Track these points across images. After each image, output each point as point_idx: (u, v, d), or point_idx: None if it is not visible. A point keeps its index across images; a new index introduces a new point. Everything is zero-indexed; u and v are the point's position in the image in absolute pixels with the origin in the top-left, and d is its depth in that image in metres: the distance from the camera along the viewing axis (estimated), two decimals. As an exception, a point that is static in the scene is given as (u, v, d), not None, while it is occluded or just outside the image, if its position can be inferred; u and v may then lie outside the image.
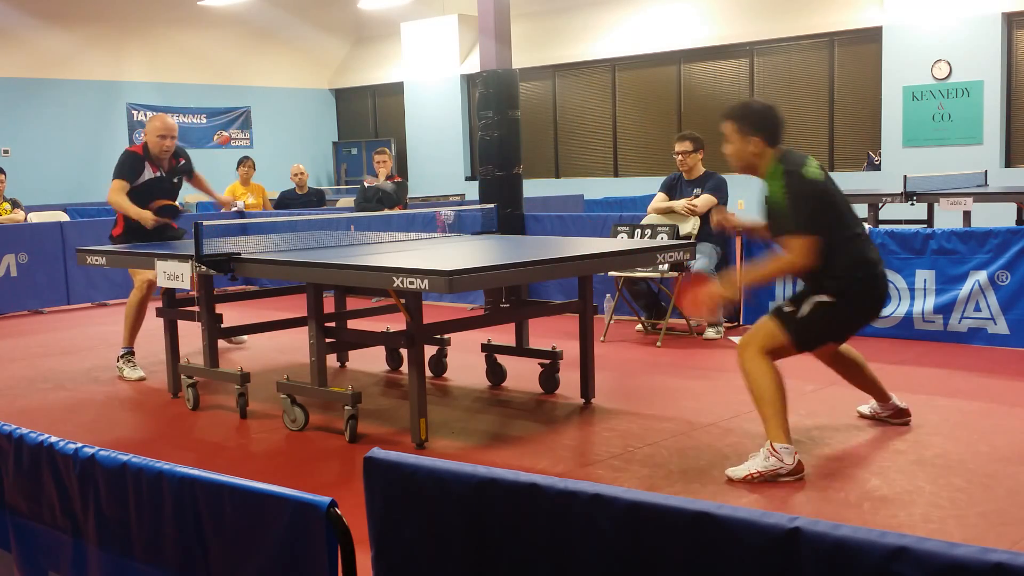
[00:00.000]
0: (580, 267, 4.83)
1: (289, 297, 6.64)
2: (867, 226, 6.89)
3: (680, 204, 7.12)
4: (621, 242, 6.25)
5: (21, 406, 5.66)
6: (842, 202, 4.24)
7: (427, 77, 18.83)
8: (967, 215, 9.49)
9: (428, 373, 5.98)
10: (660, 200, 7.29)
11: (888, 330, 6.70)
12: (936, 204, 9.19)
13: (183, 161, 6.66)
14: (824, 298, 4.13)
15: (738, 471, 4.00)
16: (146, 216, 6.28)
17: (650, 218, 7.26)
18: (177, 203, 6.73)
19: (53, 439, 2.21)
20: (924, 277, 6.59)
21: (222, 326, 5.70)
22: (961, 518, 3.50)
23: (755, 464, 3.99)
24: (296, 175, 12.06)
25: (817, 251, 4.03)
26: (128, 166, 6.36)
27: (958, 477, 3.92)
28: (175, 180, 6.61)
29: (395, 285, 4.16)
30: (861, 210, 9.99)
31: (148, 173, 6.39)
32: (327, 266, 4.59)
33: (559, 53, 17.40)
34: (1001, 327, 6.33)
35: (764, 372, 4.17)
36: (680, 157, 7.25)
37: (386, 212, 9.43)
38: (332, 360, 6.28)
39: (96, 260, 5.78)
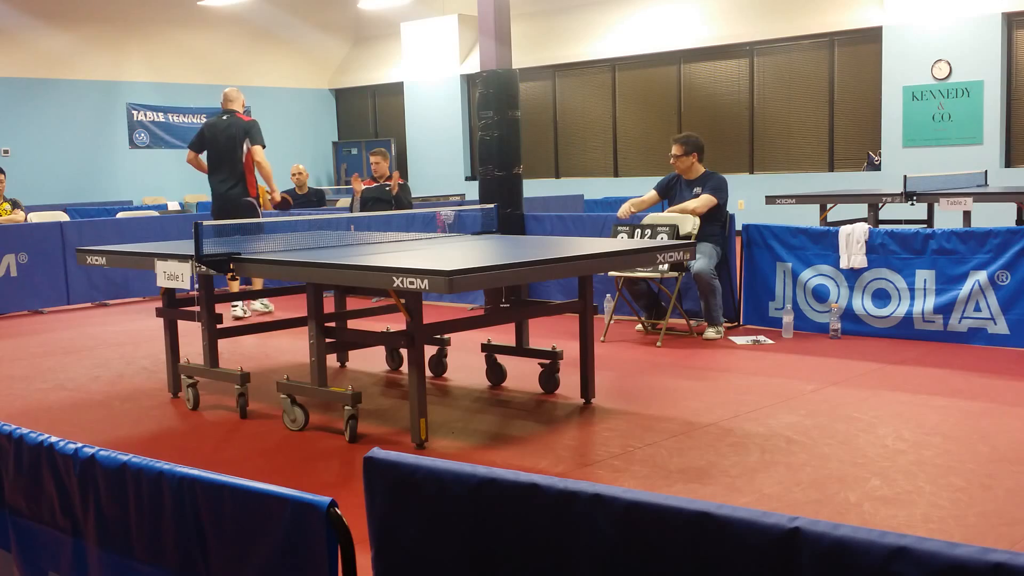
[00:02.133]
0: (580, 267, 4.83)
1: (289, 297, 6.65)
2: (867, 226, 6.92)
3: (636, 212, 7.23)
4: (621, 242, 6.25)
5: (21, 406, 5.66)
6: None
7: (427, 77, 18.83)
8: (967, 215, 9.49)
9: (428, 373, 5.98)
10: (639, 201, 7.38)
11: (888, 330, 6.71)
12: (936, 204, 9.19)
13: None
14: None
15: None
16: (277, 194, 8.66)
17: (650, 218, 7.26)
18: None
19: (53, 439, 2.21)
20: (924, 277, 6.59)
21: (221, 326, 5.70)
22: (961, 518, 3.51)
23: None
24: (295, 175, 12.03)
25: None
26: (261, 132, 8.47)
27: (958, 477, 3.92)
28: None
29: (395, 285, 4.16)
30: (861, 210, 10.01)
31: None
32: (327, 266, 4.59)
33: (559, 53, 17.40)
34: (1001, 327, 6.33)
35: None
36: (672, 160, 7.32)
37: (390, 212, 9.42)
38: (332, 360, 6.28)
39: (96, 260, 5.78)
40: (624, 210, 7.35)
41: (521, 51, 15.08)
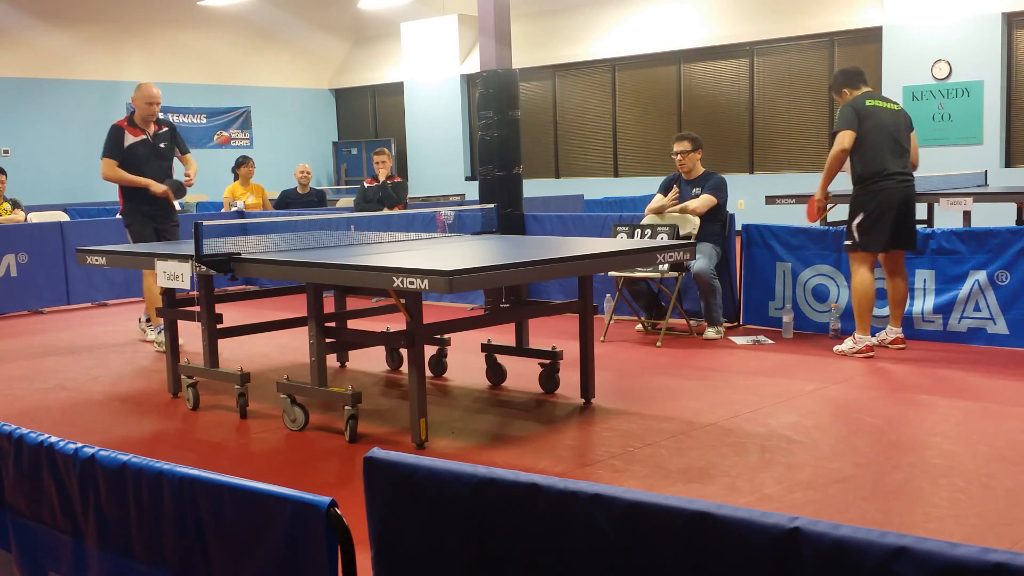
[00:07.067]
0: (580, 267, 4.83)
1: (289, 297, 6.65)
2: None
3: (668, 200, 7.14)
4: (621, 242, 6.25)
5: (21, 406, 5.66)
6: None
7: (427, 77, 18.83)
8: (967, 215, 9.49)
9: (428, 373, 5.98)
10: (658, 201, 7.30)
11: (888, 330, 6.70)
12: (936, 204, 9.19)
13: (166, 128, 7.39)
14: None
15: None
16: (148, 182, 7.11)
17: (650, 218, 7.26)
18: (171, 167, 7.50)
19: (53, 439, 2.21)
20: (924, 277, 6.59)
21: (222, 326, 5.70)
22: (961, 518, 3.51)
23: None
24: (301, 173, 11.99)
25: None
26: (111, 143, 7.15)
27: (958, 477, 3.92)
28: (161, 145, 7.31)
29: (395, 285, 4.16)
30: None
31: (131, 138, 7.19)
32: (327, 266, 4.59)
33: (559, 53, 17.40)
34: (1001, 327, 6.33)
35: None
36: (679, 157, 7.26)
37: (386, 212, 9.43)
38: (332, 360, 6.28)
39: (96, 260, 5.78)
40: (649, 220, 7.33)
41: (521, 51, 15.07)
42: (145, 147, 7.19)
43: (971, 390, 5.36)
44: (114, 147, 7.12)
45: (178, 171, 7.44)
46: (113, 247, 6.09)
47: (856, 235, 6.16)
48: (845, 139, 6.09)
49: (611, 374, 5.92)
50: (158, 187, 7.11)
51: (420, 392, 4.52)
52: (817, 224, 7.09)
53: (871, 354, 6.16)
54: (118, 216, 9.32)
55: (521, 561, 1.68)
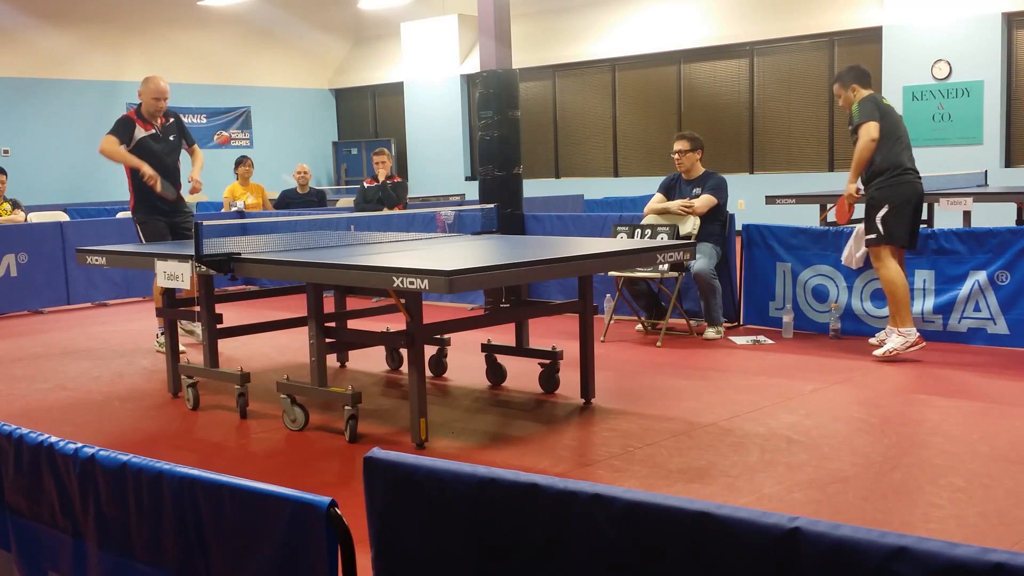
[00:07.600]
0: (580, 267, 4.83)
1: (289, 297, 6.65)
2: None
3: (675, 204, 7.13)
4: (621, 242, 6.25)
5: (21, 406, 5.66)
6: None
7: (427, 77, 18.83)
8: (967, 215, 9.49)
9: (428, 373, 5.98)
10: (657, 201, 7.30)
11: (888, 330, 6.70)
12: (936, 204, 9.19)
13: (172, 120, 7.23)
14: None
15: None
16: (141, 163, 6.86)
17: (649, 218, 7.26)
18: (179, 160, 7.30)
19: (53, 439, 2.21)
20: (924, 277, 6.59)
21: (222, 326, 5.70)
22: (961, 518, 3.51)
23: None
24: (299, 173, 11.99)
25: None
26: (121, 126, 7.01)
27: (958, 477, 3.92)
28: (171, 138, 7.18)
29: (395, 285, 4.16)
30: (860, 210, 10.00)
31: (141, 132, 7.01)
32: (327, 266, 4.59)
33: (559, 53, 17.40)
34: (1001, 327, 6.33)
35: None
36: (677, 156, 7.27)
37: (386, 212, 9.43)
38: (332, 360, 6.28)
39: (96, 260, 5.78)
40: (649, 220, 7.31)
41: (521, 51, 15.08)
42: (154, 141, 7.04)
43: (971, 390, 5.36)
44: (122, 130, 6.93)
45: (184, 165, 7.30)
46: (113, 247, 6.08)
47: (881, 228, 6.11)
48: (872, 129, 6.06)
49: (611, 374, 5.92)
50: (152, 172, 6.86)
51: (420, 392, 4.52)
52: (836, 224, 7.04)
53: (923, 344, 6.10)
54: (119, 216, 9.25)
55: (521, 561, 1.68)
